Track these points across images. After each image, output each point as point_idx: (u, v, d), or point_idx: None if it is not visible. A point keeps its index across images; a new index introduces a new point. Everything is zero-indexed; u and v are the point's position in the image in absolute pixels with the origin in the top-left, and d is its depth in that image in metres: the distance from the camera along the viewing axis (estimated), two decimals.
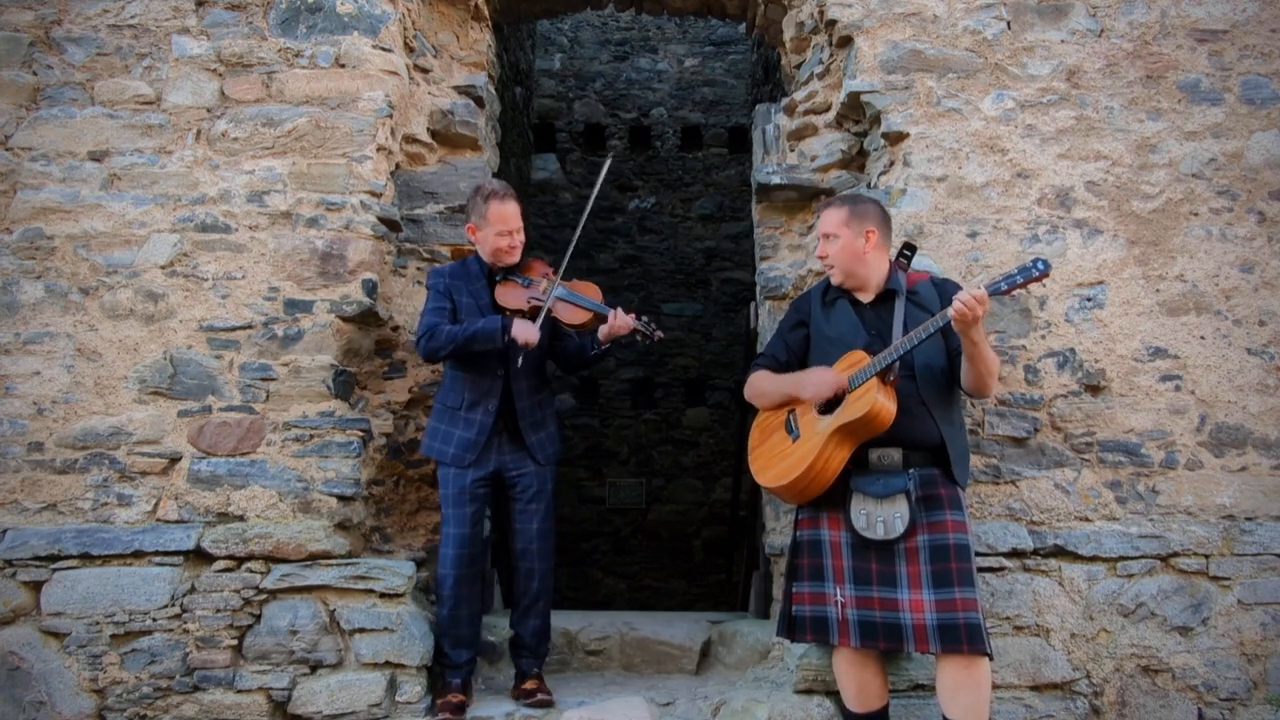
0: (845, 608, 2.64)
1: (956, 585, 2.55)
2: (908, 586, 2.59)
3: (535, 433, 3.24)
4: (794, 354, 2.92)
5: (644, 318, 3.06)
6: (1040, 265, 2.50)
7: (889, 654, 2.81)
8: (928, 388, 2.71)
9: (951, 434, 2.72)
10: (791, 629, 2.79)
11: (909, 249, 2.92)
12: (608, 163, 3.39)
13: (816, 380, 2.69)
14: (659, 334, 3.06)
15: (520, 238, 3.25)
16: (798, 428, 2.74)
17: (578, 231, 3.32)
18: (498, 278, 3.27)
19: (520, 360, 3.07)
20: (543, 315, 3.10)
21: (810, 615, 2.72)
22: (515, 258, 3.27)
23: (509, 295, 3.21)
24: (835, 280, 2.87)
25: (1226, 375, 3.27)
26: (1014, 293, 2.60)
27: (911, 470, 2.65)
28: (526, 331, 3.03)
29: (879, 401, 2.57)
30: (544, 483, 3.24)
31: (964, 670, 2.52)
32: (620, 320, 3.06)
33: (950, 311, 2.50)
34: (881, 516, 2.62)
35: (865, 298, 2.84)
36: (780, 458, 2.75)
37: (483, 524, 3.21)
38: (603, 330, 3.10)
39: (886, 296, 2.82)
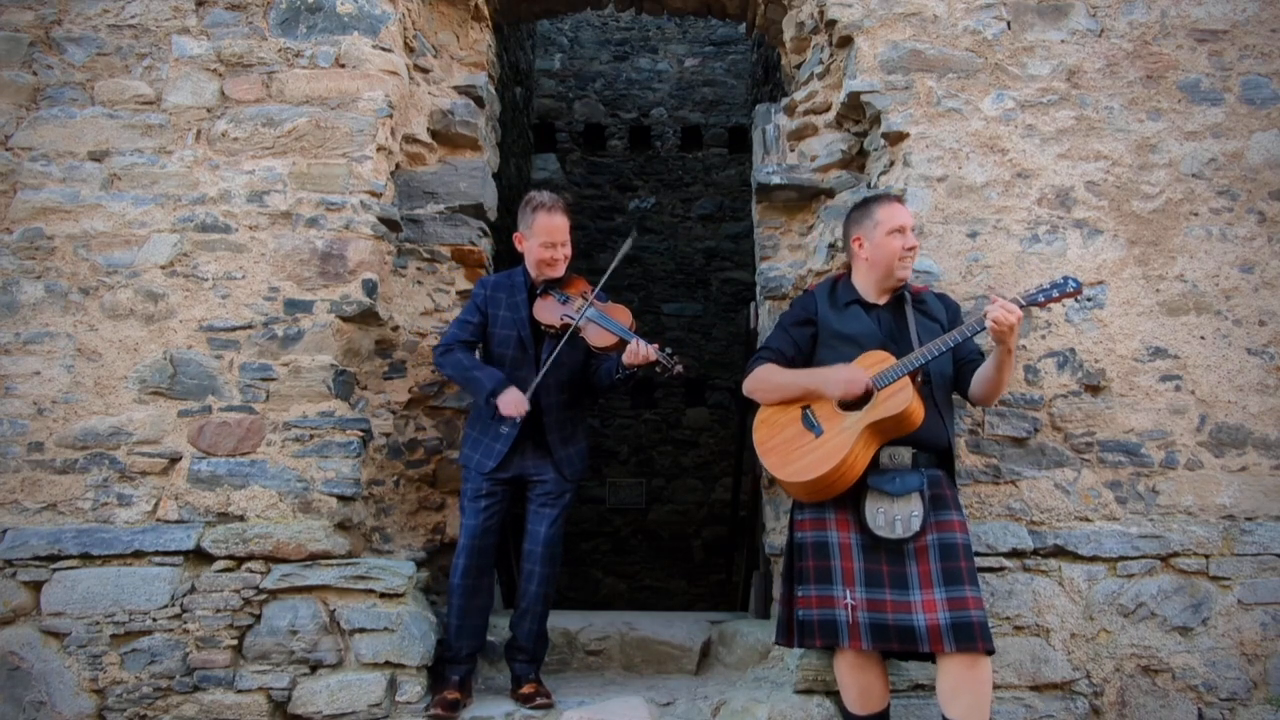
0: (856, 610, 2.62)
1: (966, 583, 2.57)
2: (919, 587, 2.60)
3: (565, 448, 3.27)
4: (800, 350, 2.90)
5: (667, 349, 3.05)
6: (1073, 283, 2.64)
7: (888, 655, 2.81)
8: (939, 392, 2.79)
9: (953, 438, 2.81)
10: (798, 634, 2.73)
11: None
12: (630, 240, 3.49)
13: (846, 377, 2.66)
14: (679, 368, 3.05)
15: (565, 251, 3.28)
16: (819, 424, 2.69)
17: (613, 264, 3.35)
18: (539, 290, 3.31)
19: (514, 425, 3.13)
20: (549, 361, 3.15)
21: (819, 619, 2.67)
22: (558, 271, 3.30)
23: (545, 310, 3.25)
24: (906, 276, 2.85)
25: (1226, 375, 3.27)
26: (1048, 306, 2.72)
27: (921, 469, 2.69)
28: (512, 405, 3.07)
29: (915, 401, 2.60)
30: (563, 491, 3.26)
31: (967, 670, 2.52)
32: (640, 350, 3.04)
33: (987, 321, 2.57)
34: (899, 515, 2.63)
35: (882, 300, 2.88)
36: (803, 453, 2.69)
37: (496, 521, 3.22)
38: (625, 356, 3.10)
39: (895, 303, 2.88)
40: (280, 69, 3.46)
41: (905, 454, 2.70)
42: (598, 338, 3.15)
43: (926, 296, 2.93)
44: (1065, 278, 2.65)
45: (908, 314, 2.82)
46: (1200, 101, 3.45)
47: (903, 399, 2.59)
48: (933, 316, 2.85)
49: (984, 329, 2.61)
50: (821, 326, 2.89)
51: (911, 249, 2.83)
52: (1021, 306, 2.59)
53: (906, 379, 2.62)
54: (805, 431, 2.72)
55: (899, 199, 2.97)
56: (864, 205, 2.94)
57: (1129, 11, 3.52)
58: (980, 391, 2.79)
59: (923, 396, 2.66)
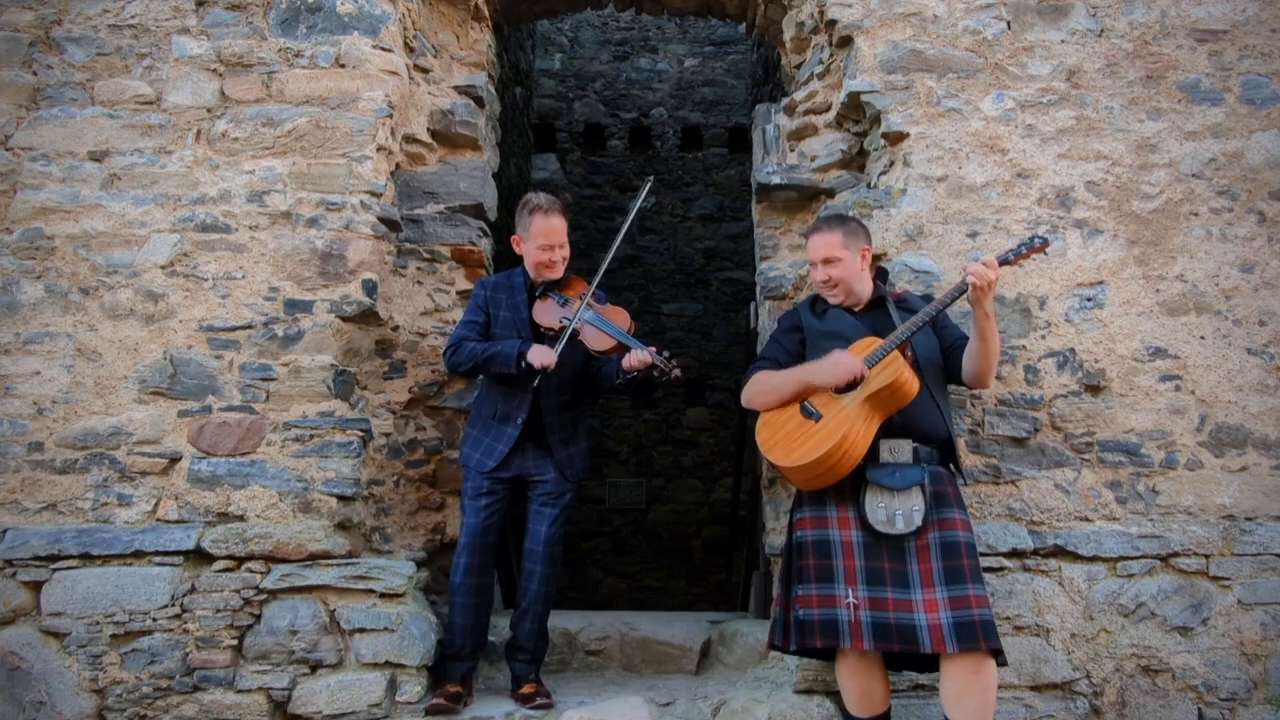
0: (858, 609, 2.59)
1: (969, 582, 2.55)
2: (920, 586, 2.57)
3: (565, 449, 3.27)
4: (793, 357, 2.92)
5: (665, 353, 3.05)
6: (1039, 239, 2.75)
7: (891, 665, 2.79)
8: (931, 379, 2.77)
9: (953, 430, 2.79)
10: (797, 634, 2.67)
11: (882, 272, 3.05)
12: (644, 191, 3.47)
13: (834, 359, 2.66)
14: (676, 371, 3.05)
15: (563, 253, 3.28)
16: (818, 410, 2.70)
17: (608, 255, 3.33)
18: (538, 292, 3.30)
19: (537, 381, 3.09)
20: (564, 338, 3.13)
21: (820, 619, 2.63)
22: (557, 273, 3.29)
23: (544, 312, 3.25)
24: (836, 301, 2.90)
25: (1226, 375, 3.27)
26: (1020, 262, 2.78)
27: (923, 465, 2.69)
28: (543, 355, 3.06)
29: (907, 371, 2.62)
30: (563, 491, 3.25)
31: (972, 674, 2.50)
32: (638, 354, 3.04)
33: (968, 277, 2.60)
34: (899, 509, 2.62)
35: (858, 307, 2.91)
36: (805, 438, 2.67)
37: (497, 520, 3.22)
38: (625, 360, 3.09)
39: (875, 305, 2.90)
40: (280, 69, 3.46)
41: (905, 447, 2.69)
42: (595, 340, 3.14)
43: (908, 297, 2.97)
44: (1032, 235, 2.77)
45: (890, 310, 2.84)
46: (1200, 101, 3.45)
47: (894, 369, 2.61)
48: (914, 312, 2.83)
49: (963, 293, 2.64)
50: (807, 331, 2.93)
51: (827, 281, 2.86)
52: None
53: (895, 353, 2.64)
54: (805, 421, 2.72)
55: (827, 228, 2.90)
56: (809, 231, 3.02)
57: (1129, 11, 3.52)
58: (971, 369, 2.78)
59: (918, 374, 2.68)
